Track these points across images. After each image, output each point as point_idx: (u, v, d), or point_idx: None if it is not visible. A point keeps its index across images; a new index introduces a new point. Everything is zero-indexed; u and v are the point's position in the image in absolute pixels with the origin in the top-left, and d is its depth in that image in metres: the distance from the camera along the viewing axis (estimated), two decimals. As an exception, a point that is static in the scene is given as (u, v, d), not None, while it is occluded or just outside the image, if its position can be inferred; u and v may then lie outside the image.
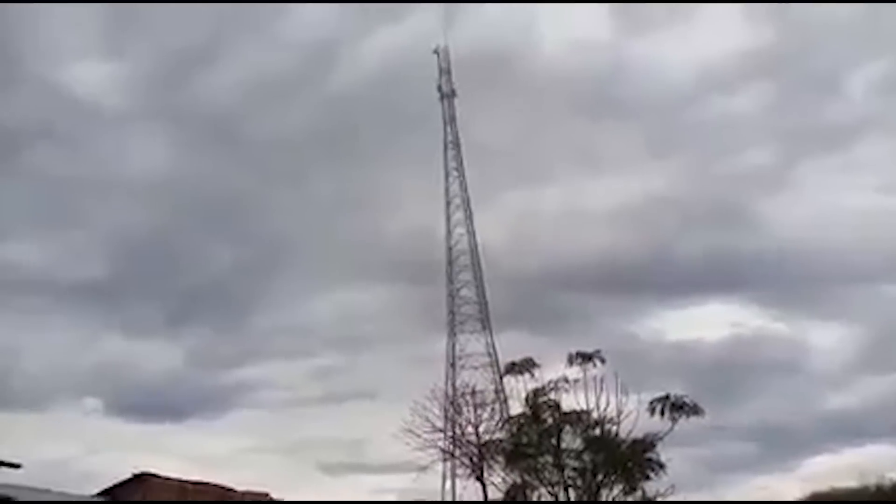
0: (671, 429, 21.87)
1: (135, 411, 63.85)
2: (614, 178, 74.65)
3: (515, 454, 24.07)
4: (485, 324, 55.67)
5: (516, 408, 24.59)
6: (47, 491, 24.01)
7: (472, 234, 56.71)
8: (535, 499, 24.20)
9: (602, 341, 40.21)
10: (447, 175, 57.65)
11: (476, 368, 52.67)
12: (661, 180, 74.43)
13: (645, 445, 22.42)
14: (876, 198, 71.85)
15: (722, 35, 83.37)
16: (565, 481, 23.05)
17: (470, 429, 27.55)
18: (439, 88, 57.94)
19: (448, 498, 39.23)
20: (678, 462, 23.20)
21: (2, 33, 72.03)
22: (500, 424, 26.51)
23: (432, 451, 27.57)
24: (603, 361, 22.60)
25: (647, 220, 69.67)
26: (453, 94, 58.04)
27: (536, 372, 23.63)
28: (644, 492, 23.32)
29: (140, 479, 35.01)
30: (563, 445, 23.14)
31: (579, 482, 22.99)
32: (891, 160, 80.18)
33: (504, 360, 35.08)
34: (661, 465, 22.65)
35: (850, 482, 34.69)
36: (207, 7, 69.92)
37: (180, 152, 73.12)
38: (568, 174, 74.99)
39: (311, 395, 67.92)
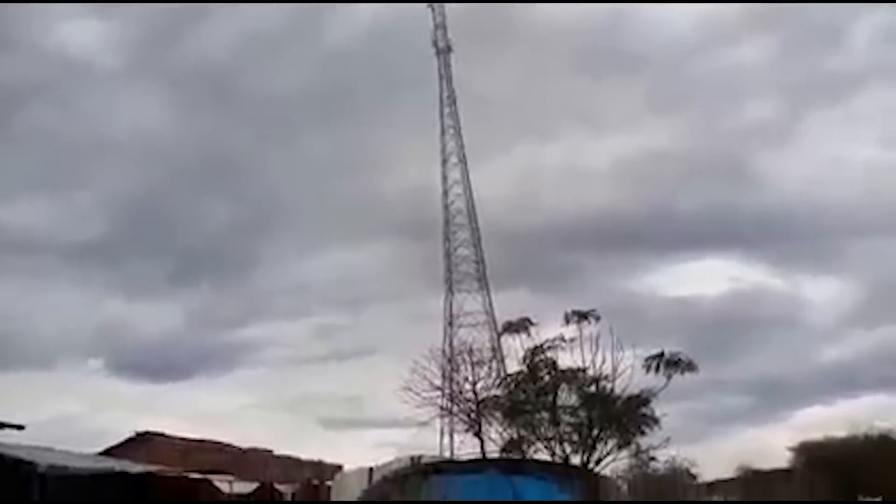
0: (665, 385, 22.14)
1: (138, 371, 64.93)
2: (615, 133, 74.31)
3: (513, 411, 24.42)
4: (482, 282, 55.96)
5: (514, 367, 24.81)
6: (50, 449, 24.38)
7: (469, 191, 56.60)
8: (531, 452, 24.63)
9: (601, 298, 40.66)
10: (444, 132, 57.27)
11: (474, 326, 53.21)
12: (662, 135, 74.20)
13: (640, 401, 22.72)
14: (878, 150, 71.71)
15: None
16: (561, 436, 23.43)
17: (467, 386, 28.03)
18: (435, 44, 57.12)
19: (447, 452, 40.01)
20: (673, 416, 23.57)
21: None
22: (497, 382, 26.88)
23: (431, 408, 28.13)
24: (598, 319, 22.73)
25: (647, 176, 69.62)
26: (449, 49, 57.26)
27: (533, 331, 23.75)
28: (639, 446, 23.75)
29: (143, 437, 35.68)
30: (560, 402, 23.43)
31: (575, 437, 23.39)
32: (894, 112, 79.64)
33: (502, 318, 35.36)
34: (656, 420, 23.04)
35: (841, 432, 35.44)
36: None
37: (175, 111, 72.66)
38: (568, 129, 74.66)
39: (313, 354, 68.91)
